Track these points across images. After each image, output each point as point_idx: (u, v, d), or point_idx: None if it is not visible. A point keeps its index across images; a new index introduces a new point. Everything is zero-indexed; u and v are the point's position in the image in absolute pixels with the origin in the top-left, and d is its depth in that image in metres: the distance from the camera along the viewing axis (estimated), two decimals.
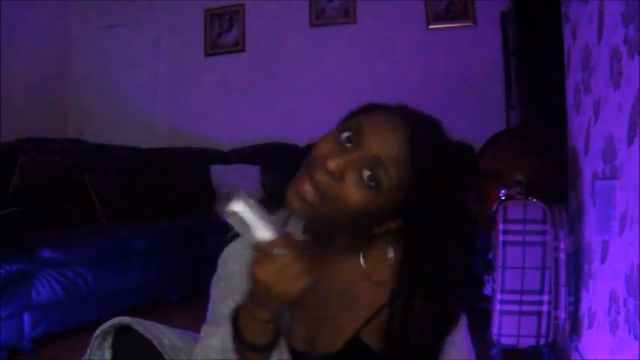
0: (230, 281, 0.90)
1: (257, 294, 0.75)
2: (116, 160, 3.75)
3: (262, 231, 0.73)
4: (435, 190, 0.78)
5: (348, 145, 0.78)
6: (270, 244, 0.72)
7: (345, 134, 0.78)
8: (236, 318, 0.79)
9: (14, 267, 2.26)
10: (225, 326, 0.80)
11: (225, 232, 0.90)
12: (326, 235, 0.82)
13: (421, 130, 0.78)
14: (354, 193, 0.75)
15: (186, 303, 3.30)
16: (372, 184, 0.75)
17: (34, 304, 2.37)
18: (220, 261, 0.94)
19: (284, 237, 0.73)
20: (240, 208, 0.72)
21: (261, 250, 0.73)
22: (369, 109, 0.84)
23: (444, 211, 0.80)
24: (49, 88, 4.84)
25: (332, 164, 0.75)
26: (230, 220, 0.74)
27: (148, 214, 3.57)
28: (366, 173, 0.75)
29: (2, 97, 4.01)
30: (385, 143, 0.76)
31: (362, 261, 0.84)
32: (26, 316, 2.34)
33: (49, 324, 2.44)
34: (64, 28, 5.01)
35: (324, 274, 0.83)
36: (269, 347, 0.78)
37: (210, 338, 0.83)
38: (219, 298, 0.91)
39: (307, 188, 0.76)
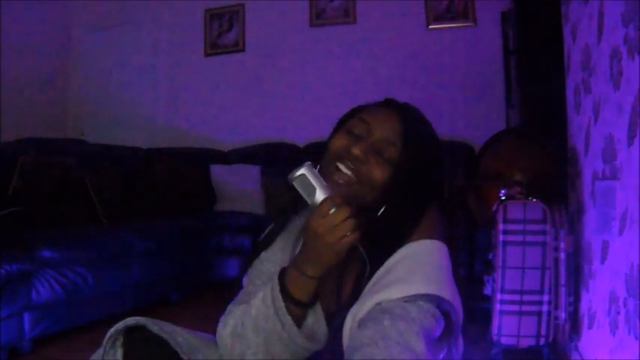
0: (260, 265, 1.03)
1: (309, 247, 0.89)
2: (116, 160, 3.75)
3: (322, 192, 0.89)
4: (420, 151, 0.97)
5: (360, 136, 0.96)
6: (330, 200, 0.88)
7: (356, 130, 0.97)
8: (282, 276, 0.93)
9: (14, 267, 2.26)
10: (265, 289, 0.93)
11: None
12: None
13: (407, 113, 1.00)
14: (377, 170, 0.94)
15: (186, 303, 3.31)
16: (388, 160, 0.94)
17: (34, 304, 2.37)
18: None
19: (341, 198, 0.88)
20: (306, 172, 0.90)
21: (321, 205, 0.88)
22: (360, 109, 1.02)
23: (428, 168, 0.98)
24: (49, 89, 4.84)
25: (356, 150, 0.93)
26: (295, 183, 0.90)
27: (148, 214, 3.57)
28: (382, 154, 0.94)
29: (2, 97, 4.01)
30: (387, 128, 0.96)
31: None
32: (26, 316, 2.34)
33: (49, 324, 2.44)
34: (64, 28, 5.01)
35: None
36: (309, 304, 0.93)
37: (252, 300, 0.94)
38: (249, 281, 1.03)
39: (344, 172, 0.93)
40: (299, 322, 0.92)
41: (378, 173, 0.93)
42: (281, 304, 0.90)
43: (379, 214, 0.96)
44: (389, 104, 1.03)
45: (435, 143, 1.01)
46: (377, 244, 0.93)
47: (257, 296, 0.94)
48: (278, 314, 0.90)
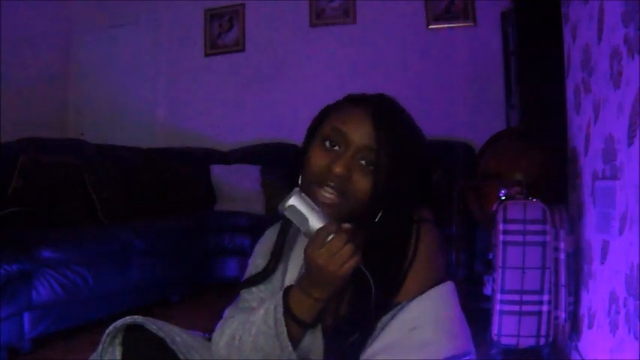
0: (256, 259, 1.04)
1: (312, 274, 0.87)
2: (116, 160, 3.75)
3: (316, 220, 0.86)
4: (396, 148, 0.91)
5: (336, 148, 0.92)
6: (324, 229, 0.85)
7: (327, 142, 0.93)
8: (286, 295, 0.90)
9: (14, 267, 2.26)
10: (268, 306, 0.91)
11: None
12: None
13: (379, 111, 0.93)
14: (361, 182, 0.90)
15: (186, 303, 3.31)
16: (371, 167, 0.90)
17: (34, 304, 2.36)
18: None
19: (336, 224, 0.86)
20: (295, 202, 0.86)
21: (316, 236, 0.85)
22: (330, 111, 0.97)
23: (408, 163, 0.93)
24: (49, 88, 4.84)
25: (338, 169, 0.89)
26: (287, 213, 0.87)
27: (148, 214, 3.57)
28: (363, 162, 0.90)
29: (2, 97, 4.01)
30: (364, 133, 0.91)
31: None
32: (26, 316, 2.34)
33: (49, 324, 2.44)
34: (65, 28, 5.01)
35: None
36: (313, 325, 0.90)
37: (253, 316, 0.92)
38: (247, 276, 1.03)
39: (329, 195, 0.90)
40: (298, 341, 0.91)
41: (362, 185, 0.90)
42: (283, 328, 0.88)
43: (377, 219, 0.92)
44: (360, 101, 0.97)
45: (412, 135, 0.96)
46: (377, 253, 0.91)
47: (258, 313, 0.92)
48: (279, 338, 0.89)
